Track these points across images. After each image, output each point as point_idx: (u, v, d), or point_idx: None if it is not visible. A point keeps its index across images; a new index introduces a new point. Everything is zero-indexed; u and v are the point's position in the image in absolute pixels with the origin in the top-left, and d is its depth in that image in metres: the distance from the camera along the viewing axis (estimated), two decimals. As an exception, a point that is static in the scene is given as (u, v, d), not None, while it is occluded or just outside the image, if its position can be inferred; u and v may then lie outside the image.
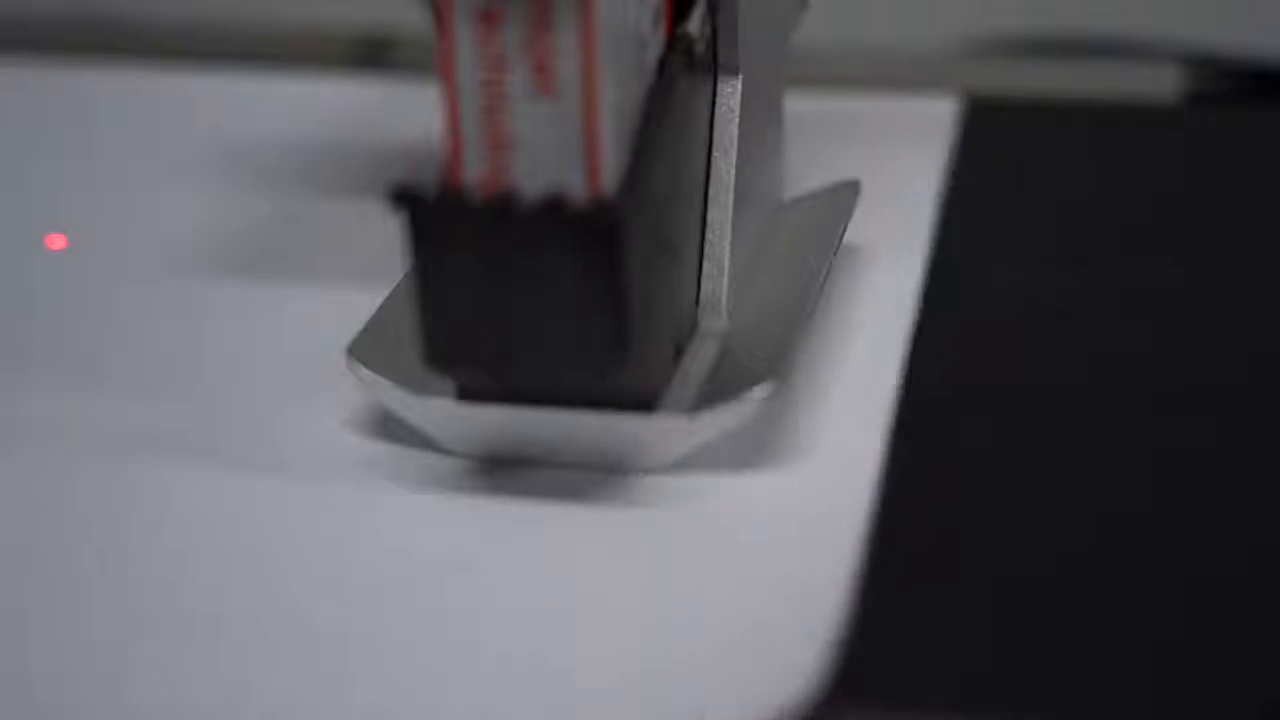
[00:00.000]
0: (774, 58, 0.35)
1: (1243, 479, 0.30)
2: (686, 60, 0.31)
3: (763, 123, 0.34)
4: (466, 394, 0.30)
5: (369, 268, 0.35)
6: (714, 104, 0.33)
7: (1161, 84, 0.44)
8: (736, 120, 0.32)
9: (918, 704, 0.26)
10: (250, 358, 0.34)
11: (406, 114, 0.42)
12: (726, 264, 0.32)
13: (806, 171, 0.37)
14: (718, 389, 0.30)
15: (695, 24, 0.32)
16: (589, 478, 0.30)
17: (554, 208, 0.27)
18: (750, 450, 0.31)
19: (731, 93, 0.33)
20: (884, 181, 0.37)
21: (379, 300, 0.32)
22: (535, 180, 0.28)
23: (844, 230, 0.34)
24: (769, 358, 0.30)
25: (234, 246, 0.38)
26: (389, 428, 0.32)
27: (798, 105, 0.37)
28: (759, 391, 0.29)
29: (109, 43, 0.48)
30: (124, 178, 0.41)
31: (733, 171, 0.32)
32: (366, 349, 0.31)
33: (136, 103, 0.45)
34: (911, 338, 0.33)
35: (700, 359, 0.32)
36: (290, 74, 0.45)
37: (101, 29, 0.49)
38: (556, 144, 0.28)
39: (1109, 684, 0.26)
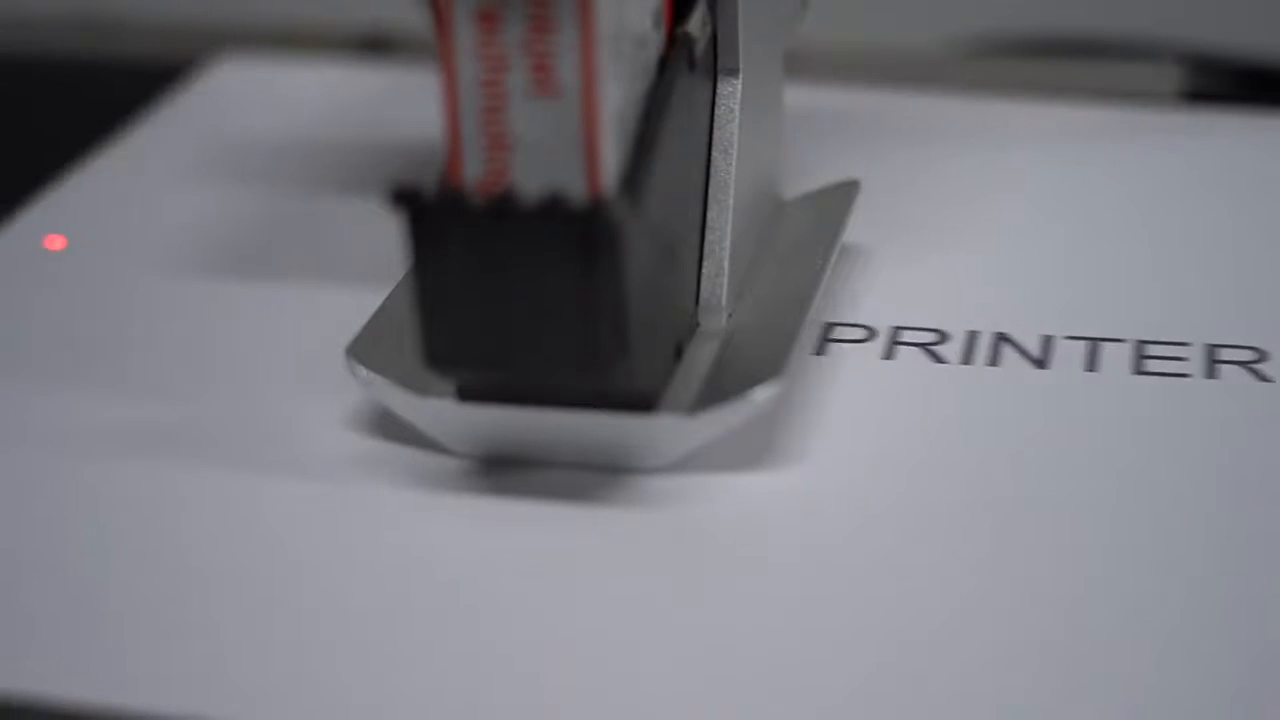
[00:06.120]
0: (774, 58, 0.35)
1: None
2: (686, 60, 0.31)
3: (763, 123, 0.34)
4: (466, 394, 0.30)
5: (369, 268, 0.35)
6: (714, 104, 0.33)
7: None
8: (737, 120, 0.32)
9: None
10: (250, 357, 0.34)
11: (406, 114, 0.42)
12: (726, 264, 0.32)
13: (806, 171, 0.37)
14: (718, 389, 0.30)
15: (695, 24, 0.32)
16: (589, 478, 0.30)
17: (553, 208, 0.27)
18: (750, 450, 0.31)
19: (731, 93, 0.33)
20: (884, 181, 0.37)
21: (379, 300, 0.32)
22: (535, 180, 0.28)
23: (844, 230, 0.34)
24: (769, 358, 0.30)
25: (234, 246, 0.38)
26: (389, 428, 0.32)
27: (798, 105, 0.37)
28: (759, 391, 0.29)
29: (107, 39, 0.48)
30: (123, 177, 0.41)
31: (733, 171, 0.32)
32: (366, 349, 0.31)
33: (135, 102, 0.45)
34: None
35: (700, 359, 0.32)
36: (290, 74, 0.45)
37: (100, 24, 0.49)
38: (556, 144, 0.28)
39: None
